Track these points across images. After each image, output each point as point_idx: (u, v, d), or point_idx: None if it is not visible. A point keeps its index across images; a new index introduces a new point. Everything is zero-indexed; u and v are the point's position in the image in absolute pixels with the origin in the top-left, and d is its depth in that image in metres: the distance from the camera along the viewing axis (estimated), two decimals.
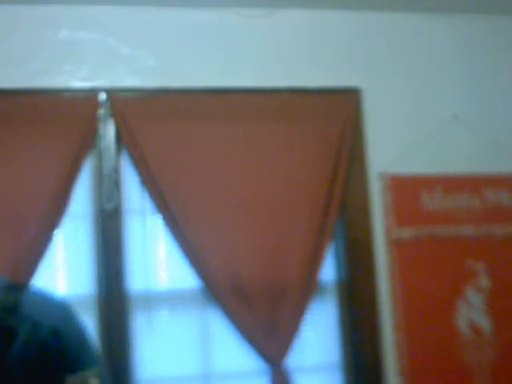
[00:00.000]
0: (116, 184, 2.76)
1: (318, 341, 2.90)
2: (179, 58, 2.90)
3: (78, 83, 2.80)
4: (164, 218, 2.76)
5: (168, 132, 2.80)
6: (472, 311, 2.95)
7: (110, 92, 2.79)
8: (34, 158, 2.68)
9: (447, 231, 2.99)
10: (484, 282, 2.98)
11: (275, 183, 2.84)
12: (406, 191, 2.98)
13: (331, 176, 2.88)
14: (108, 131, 2.78)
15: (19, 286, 1.56)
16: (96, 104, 2.77)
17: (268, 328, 2.74)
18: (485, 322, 2.96)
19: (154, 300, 2.78)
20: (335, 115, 2.94)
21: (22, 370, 1.42)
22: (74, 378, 1.47)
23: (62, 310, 1.53)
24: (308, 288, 2.79)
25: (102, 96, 2.78)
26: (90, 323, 2.68)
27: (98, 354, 1.58)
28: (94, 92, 2.78)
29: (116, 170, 2.78)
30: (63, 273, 2.75)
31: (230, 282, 2.74)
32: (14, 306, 1.44)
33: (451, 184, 3.02)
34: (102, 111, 2.77)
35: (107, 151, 2.78)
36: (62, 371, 1.47)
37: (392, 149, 2.99)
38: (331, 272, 2.93)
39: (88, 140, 2.74)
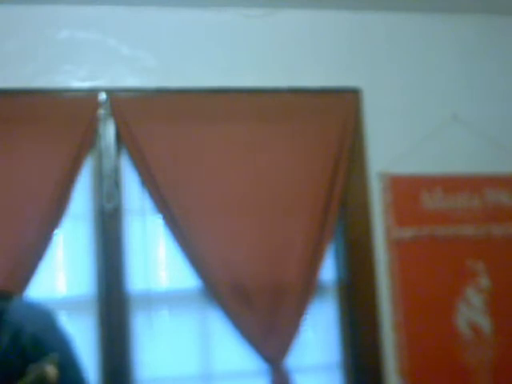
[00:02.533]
0: (116, 184, 2.76)
1: (318, 341, 2.90)
2: (179, 57, 2.90)
3: (77, 83, 2.80)
4: (164, 218, 2.76)
5: (168, 132, 2.80)
6: (472, 311, 2.96)
7: (110, 92, 2.79)
8: (34, 158, 2.68)
9: (447, 231, 2.99)
10: (484, 281, 2.99)
11: (275, 183, 2.84)
12: (406, 191, 2.98)
13: (331, 176, 2.88)
14: (108, 131, 2.78)
15: (6, 294, 1.58)
16: (96, 104, 2.77)
17: (268, 328, 2.74)
18: (485, 322, 2.96)
19: (154, 300, 2.78)
20: (335, 115, 2.94)
21: (3, 375, 1.43)
22: (32, 367, 1.47)
23: (43, 318, 1.55)
24: (308, 288, 2.79)
25: (102, 96, 2.78)
26: (90, 323, 2.69)
27: (71, 354, 1.59)
28: (94, 92, 2.78)
29: (116, 170, 2.78)
30: (63, 273, 2.75)
31: (230, 282, 2.74)
32: None
33: (451, 184, 3.02)
34: (101, 111, 2.77)
35: (107, 151, 2.78)
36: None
37: (392, 149, 2.99)
38: (331, 272, 2.93)
39: (88, 140, 2.73)
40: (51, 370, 1.47)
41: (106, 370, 2.67)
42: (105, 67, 2.83)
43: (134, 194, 2.80)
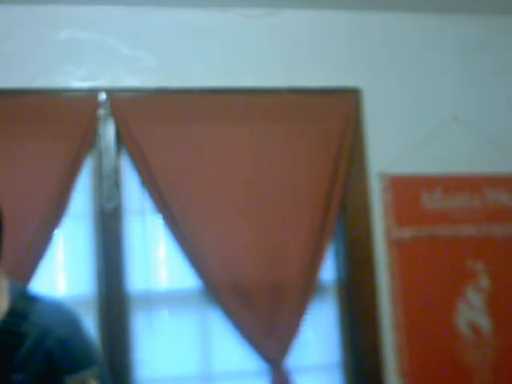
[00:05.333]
0: (116, 184, 2.76)
1: (318, 341, 2.90)
2: (179, 57, 2.90)
3: (77, 83, 2.80)
4: (164, 218, 2.76)
5: (168, 132, 2.80)
6: (472, 311, 2.96)
7: (110, 92, 2.79)
8: (34, 158, 2.68)
9: (447, 231, 2.99)
10: (484, 282, 2.99)
11: (275, 183, 2.84)
12: (406, 191, 2.99)
13: (331, 176, 2.88)
14: (108, 131, 2.78)
15: (33, 294, 1.60)
16: (96, 104, 2.77)
17: (268, 328, 2.74)
18: (485, 322, 2.96)
19: (154, 300, 2.78)
20: (335, 115, 2.94)
21: (26, 374, 1.45)
22: (73, 378, 1.49)
23: (69, 320, 1.58)
24: (308, 288, 2.79)
25: (102, 96, 2.78)
26: (90, 323, 2.69)
27: (99, 357, 1.61)
28: (94, 92, 2.78)
29: (116, 170, 2.78)
30: (63, 273, 2.76)
31: (230, 281, 2.74)
32: (25, 313, 1.49)
33: (451, 184, 3.02)
34: (101, 111, 2.77)
35: (107, 151, 2.78)
36: (62, 373, 1.50)
37: (392, 149, 2.99)
38: (331, 272, 2.93)
39: (88, 140, 2.73)
40: None
41: (107, 375, 2.67)
42: (105, 67, 2.83)
43: (134, 194, 2.81)
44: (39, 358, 1.47)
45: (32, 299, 1.57)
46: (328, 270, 2.91)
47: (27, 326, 1.48)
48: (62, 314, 1.58)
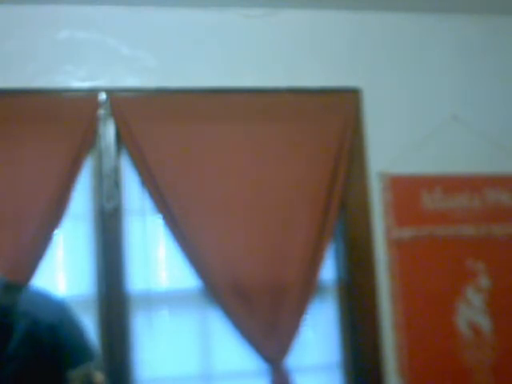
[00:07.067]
0: (116, 184, 2.76)
1: (318, 341, 2.90)
2: (179, 57, 2.91)
3: (77, 83, 2.80)
4: (164, 218, 2.76)
5: (168, 132, 2.80)
6: (472, 311, 2.96)
7: (110, 92, 2.79)
8: (34, 158, 2.68)
9: (447, 231, 2.99)
10: (484, 282, 2.99)
11: (275, 183, 2.84)
12: (406, 191, 2.99)
13: (331, 176, 2.88)
14: (108, 131, 2.78)
15: (17, 285, 1.59)
16: (96, 104, 2.77)
17: (268, 328, 2.74)
18: (485, 322, 2.96)
19: (154, 300, 2.78)
20: (335, 115, 2.94)
21: (20, 364, 1.44)
22: (77, 372, 1.49)
23: (58, 308, 1.56)
24: (308, 288, 2.79)
25: (102, 96, 2.78)
26: (89, 323, 2.68)
27: (95, 349, 1.61)
28: (94, 92, 2.78)
29: (116, 170, 2.78)
30: (63, 273, 2.75)
31: (230, 282, 2.74)
32: (11, 305, 1.47)
33: (451, 184, 3.02)
34: (101, 111, 2.77)
35: (107, 151, 2.78)
36: (60, 365, 1.49)
37: (392, 149, 2.99)
38: (331, 272, 2.93)
39: (88, 140, 2.74)
40: (99, 376, 1.49)
41: (106, 370, 2.66)
42: (105, 67, 2.83)
43: (134, 194, 2.81)
44: (30, 347, 1.46)
45: (17, 289, 1.55)
46: (328, 270, 2.91)
47: (14, 317, 1.47)
48: (49, 301, 1.57)
